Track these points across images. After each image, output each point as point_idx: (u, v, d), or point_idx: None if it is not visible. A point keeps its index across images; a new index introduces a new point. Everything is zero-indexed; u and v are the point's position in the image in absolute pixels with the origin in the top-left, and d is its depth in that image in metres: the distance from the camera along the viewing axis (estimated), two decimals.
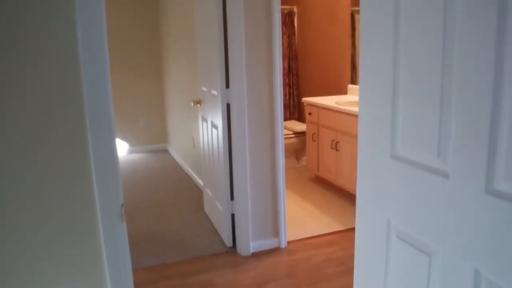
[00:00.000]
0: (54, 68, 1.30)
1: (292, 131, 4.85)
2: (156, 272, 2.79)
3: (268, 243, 3.07)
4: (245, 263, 2.89)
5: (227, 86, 2.86)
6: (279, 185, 3.03)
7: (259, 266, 2.84)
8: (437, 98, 0.96)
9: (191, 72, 4.31)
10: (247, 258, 2.96)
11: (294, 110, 5.64)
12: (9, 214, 1.33)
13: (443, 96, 0.95)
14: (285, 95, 5.49)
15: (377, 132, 1.18)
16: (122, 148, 5.85)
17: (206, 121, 3.36)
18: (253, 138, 2.90)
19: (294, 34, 5.48)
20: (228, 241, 3.10)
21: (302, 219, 3.58)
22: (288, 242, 3.15)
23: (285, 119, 5.52)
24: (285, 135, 4.56)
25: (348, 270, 2.74)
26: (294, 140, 4.86)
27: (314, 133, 4.22)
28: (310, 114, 4.28)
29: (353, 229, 3.28)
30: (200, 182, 4.32)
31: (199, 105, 3.52)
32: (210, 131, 3.28)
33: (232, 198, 3.05)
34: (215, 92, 3.01)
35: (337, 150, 3.84)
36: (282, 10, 5.27)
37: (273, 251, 3.05)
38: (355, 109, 3.54)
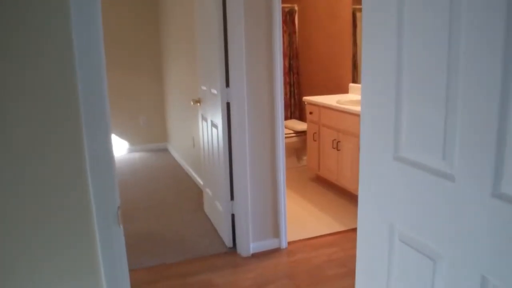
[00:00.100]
0: (49, 68, 1.28)
1: (293, 131, 4.83)
2: (156, 272, 2.77)
3: (268, 244, 3.05)
4: (245, 263, 2.87)
5: (227, 85, 2.84)
6: (280, 185, 3.00)
7: (259, 267, 2.82)
8: (443, 98, 0.94)
9: (191, 71, 4.29)
10: (247, 258, 2.94)
11: (295, 109, 5.61)
12: (9, 214, 1.33)
13: (448, 96, 0.92)
14: (285, 94, 5.46)
15: (379, 133, 1.15)
16: (122, 147, 5.84)
17: (206, 120, 3.34)
18: (253, 138, 2.88)
19: (294, 32, 5.45)
20: (228, 242, 3.08)
21: (303, 219, 3.56)
22: (289, 243, 3.13)
23: (286, 118, 5.50)
24: (285, 134, 4.53)
25: (349, 272, 2.71)
26: (294, 139, 4.84)
27: (315, 133, 4.19)
28: (311, 113, 4.25)
29: (354, 230, 3.25)
30: (200, 181, 4.30)
31: (198, 104, 3.50)
32: (210, 130, 3.25)
33: (232, 198, 3.03)
34: (215, 91, 2.99)
35: (338, 150, 3.81)
36: (283, 8, 5.26)
37: (273, 251, 3.03)
38: (356, 108, 3.51)
